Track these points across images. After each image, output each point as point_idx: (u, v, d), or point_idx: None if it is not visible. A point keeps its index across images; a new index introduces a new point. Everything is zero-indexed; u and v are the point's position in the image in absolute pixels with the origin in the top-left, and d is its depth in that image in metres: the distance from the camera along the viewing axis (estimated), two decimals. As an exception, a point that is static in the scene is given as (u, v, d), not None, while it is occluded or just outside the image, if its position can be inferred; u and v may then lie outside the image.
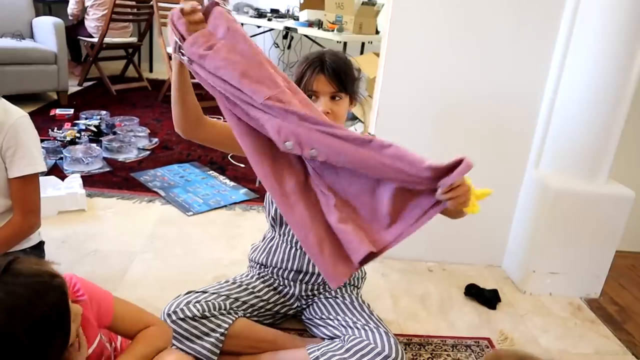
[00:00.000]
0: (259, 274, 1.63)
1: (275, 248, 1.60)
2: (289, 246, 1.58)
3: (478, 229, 2.21)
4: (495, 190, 2.18)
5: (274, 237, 1.62)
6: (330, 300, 1.58)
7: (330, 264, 1.16)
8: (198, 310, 1.40)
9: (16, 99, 1.58)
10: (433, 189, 1.15)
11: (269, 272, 1.62)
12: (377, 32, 4.39)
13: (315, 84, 1.39)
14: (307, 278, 1.57)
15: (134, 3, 4.63)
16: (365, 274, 1.68)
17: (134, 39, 4.92)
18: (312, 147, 1.13)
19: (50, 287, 0.83)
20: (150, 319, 1.19)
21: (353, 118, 3.84)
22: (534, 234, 2.08)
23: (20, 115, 1.49)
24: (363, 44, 4.73)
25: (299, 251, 1.56)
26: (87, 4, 4.53)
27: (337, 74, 1.39)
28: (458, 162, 1.12)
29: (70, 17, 4.67)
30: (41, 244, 1.69)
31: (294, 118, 1.12)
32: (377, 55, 2.52)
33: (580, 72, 1.94)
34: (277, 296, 1.61)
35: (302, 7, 4.71)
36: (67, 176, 2.58)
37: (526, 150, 2.13)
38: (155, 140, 3.41)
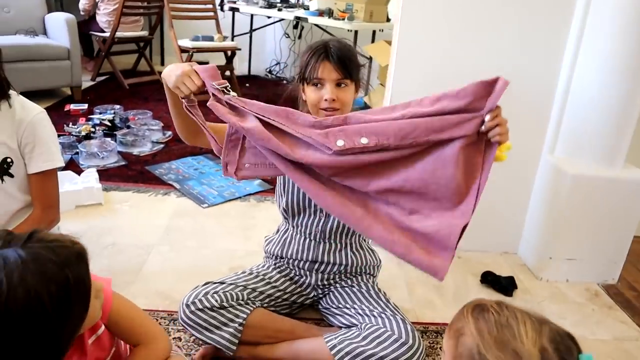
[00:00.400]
0: (274, 264, 1.64)
1: (289, 240, 1.61)
2: (302, 237, 1.59)
3: (493, 215, 2.20)
4: (511, 177, 2.19)
5: (287, 229, 1.63)
6: (346, 289, 1.59)
7: (426, 261, 1.18)
8: (216, 301, 1.42)
9: (31, 95, 1.60)
10: (481, 122, 1.19)
11: (285, 262, 1.63)
12: (388, 20, 4.36)
13: (320, 71, 1.39)
14: (322, 267, 1.59)
15: (144, -4, 4.65)
16: (381, 262, 1.68)
17: (145, 33, 4.94)
18: (361, 136, 1.18)
19: (72, 252, 0.86)
20: (151, 326, 1.19)
21: (365, 107, 3.83)
22: (550, 220, 2.06)
23: (38, 112, 1.51)
24: (374, 32, 4.70)
25: (313, 242, 1.57)
26: (98, -1, 4.56)
27: (341, 61, 1.39)
28: (494, 82, 1.19)
29: (82, 13, 4.70)
30: (60, 238, 1.71)
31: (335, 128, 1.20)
32: (389, 43, 2.51)
33: (595, 55, 1.91)
34: (293, 286, 1.62)
35: (312, -4, 4.69)
36: (83, 171, 2.61)
37: (541, 136, 2.11)
38: (169, 133, 3.43)
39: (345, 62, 1.40)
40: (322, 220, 1.55)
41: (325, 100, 1.39)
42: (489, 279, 2.01)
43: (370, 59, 4.36)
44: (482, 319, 0.79)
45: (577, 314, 1.90)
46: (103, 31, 4.62)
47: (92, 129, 3.26)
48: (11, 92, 1.47)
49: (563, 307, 1.93)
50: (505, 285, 1.98)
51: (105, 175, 2.69)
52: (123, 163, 2.90)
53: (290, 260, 1.61)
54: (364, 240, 1.64)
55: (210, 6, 4.53)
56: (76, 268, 0.84)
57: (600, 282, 2.11)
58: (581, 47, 1.94)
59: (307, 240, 1.58)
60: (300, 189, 1.51)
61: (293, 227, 1.60)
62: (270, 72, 5.64)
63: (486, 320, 0.79)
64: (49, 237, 0.84)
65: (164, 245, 2.11)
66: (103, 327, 1.09)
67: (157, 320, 1.64)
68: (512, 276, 2.02)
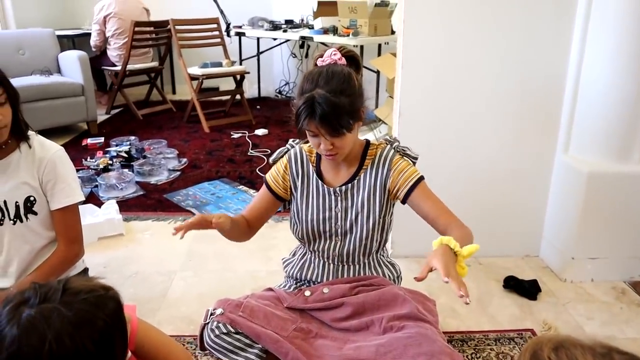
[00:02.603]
0: (295, 283, 1.66)
1: (308, 264, 1.63)
2: (321, 261, 1.60)
3: (512, 219, 2.20)
4: (526, 179, 2.18)
5: (305, 252, 1.65)
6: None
7: None
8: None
9: (49, 133, 1.66)
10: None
11: (306, 284, 1.64)
12: (393, 32, 4.40)
13: (310, 127, 1.36)
14: None
15: (152, 28, 4.75)
16: (401, 273, 1.68)
17: (155, 64, 5.05)
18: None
19: (107, 298, 0.89)
20: (176, 350, 1.21)
21: (377, 120, 3.85)
22: (570, 220, 2.05)
23: (56, 149, 1.56)
24: (380, 45, 4.73)
25: (332, 265, 1.59)
26: (108, 34, 4.67)
27: (327, 121, 1.33)
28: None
29: (93, 49, 4.82)
30: (86, 270, 1.76)
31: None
32: (395, 55, 2.53)
33: (602, 50, 1.91)
34: (315, 303, 1.63)
35: (316, 15, 4.75)
36: (103, 203, 2.66)
37: (554, 136, 2.11)
38: (184, 160, 3.49)
39: (332, 120, 1.33)
40: (338, 244, 1.56)
41: (321, 149, 1.40)
42: (512, 284, 2.00)
43: (378, 72, 4.40)
44: None
45: (605, 314, 1.88)
46: (115, 65, 4.73)
47: (110, 162, 3.33)
48: (30, 132, 1.52)
49: (590, 308, 1.91)
50: (529, 288, 1.96)
51: (125, 205, 2.74)
52: (141, 193, 2.95)
53: (311, 283, 1.62)
54: (382, 256, 1.64)
55: (217, 33, 4.62)
56: (114, 313, 0.88)
57: (627, 280, 2.08)
58: (587, 42, 1.94)
59: (326, 264, 1.60)
60: (314, 217, 1.55)
61: (311, 251, 1.62)
62: (280, 92, 5.71)
63: None
64: (82, 288, 0.88)
65: (187, 270, 2.14)
66: (130, 353, 1.12)
67: (183, 345, 1.66)
68: (535, 279, 2.00)
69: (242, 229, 1.55)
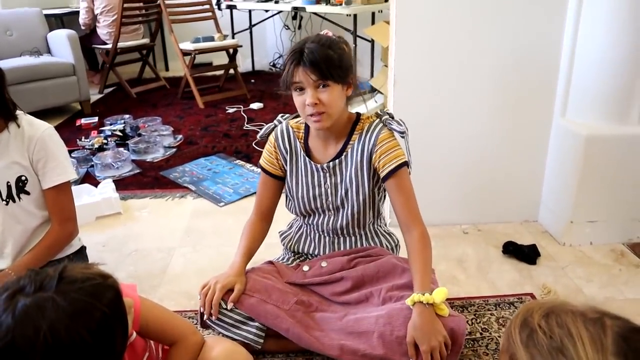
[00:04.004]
0: (294, 255, 1.66)
1: (304, 237, 1.63)
2: (317, 234, 1.61)
3: (510, 185, 2.19)
4: (524, 144, 2.17)
5: (301, 225, 1.65)
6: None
7: None
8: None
9: (42, 114, 1.64)
10: None
11: (303, 255, 1.64)
12: (386, 0, 4.32)
13: (297, 76, 1.34)
14: None
15: (141, 4, 4.66)
16: (399, 242, 1.68)
17: (146, 40, 4.97)
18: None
19: (104, 287, 0.87)
20: (180, 324, 1.21)
21: (372, 90, 3.81)
22: (568, 184, 2.04)
23: (46, 128, 1.54)
24: (373, 13, 4.65)
25: (327, 237, 1.59)
26: (97, 11, 4.59)
27: (316, 63, 1.32)
28: None
29: (82, 27, 4.74)
30: (83, 249, 1.75)
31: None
32: (388, 23, 2.48)
33: (599, 11, 1.87)
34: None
35: (308, -16, 4.65)
36: (99, 182, 2.64)
37: (551, 100, 2.08)
38: (180, 137, 3.46)
39: (320, 64, 1.32)
40: (332, 219, 1.55)
41: (308, 105, 1.36)
42: (511, 249, 2.00)
43: (372, 41, 4.34)
44: (532, 345, 0.69)
45: (604, 276, 1.88)
46: (105, 43, 4.66)
47: (105, 141, 3.30)
48: (18, 112, 1.50)
49: (589, 270, 1.91)
50: (528, 253, 1.96)
51: (122, 184, 2.73)
52: (138, 171, 2.93)
53: (309, 255, 1.62)
54: (380, 226, 1.64)
55: (208, 6, 4.53)
56: (112, 302, 0.86)
57: (625, 242, 2.08)
58: (583, 3, 1.90)
59: (322, 236, 1.60)
60: (304, 194, 1.54)
61: (307, 224, 1.62)
62: (274, 65, 5.64)
63: (537, 345, 0.68)
64: (79, 276, 0.86)
65: (186, 246, 2.14)
66: (135, 334, 1.12)
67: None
68: (534, 244, 2.01)
69: (260, 240, 1.62)
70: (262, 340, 1.42)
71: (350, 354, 1.30)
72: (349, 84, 1.42)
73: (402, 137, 1.50)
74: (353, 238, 1.59)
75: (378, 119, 1.51)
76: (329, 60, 1.33)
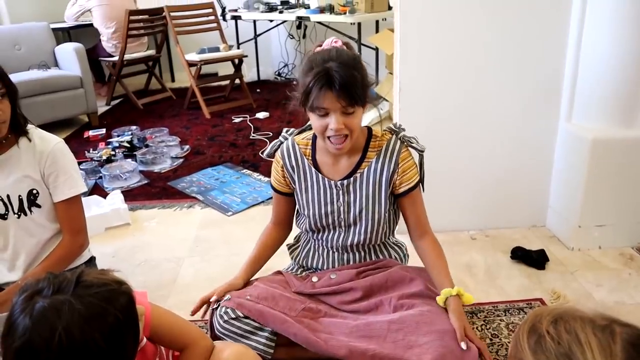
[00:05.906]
0: (302, 268, 1.66)
1: (312, 252, 1.62)
2: (325, 250, 1.60)
3: (518, 190, 2.19)
4: (530, 149, 2.17)
5: (309, 239, 1.64)
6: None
7: None
8: (248, 309, 1.44)
9: (50, 126, 1.66)
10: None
11: (312, 270, 1.64)
12: (390, 8, 4.34)
13: (324, 101, 1.29)
14: None
15: (146, 16, 4.71)
16: (407, 252, 1.68)
17: (152, 52, 5.02)
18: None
19: (119, 293, 0.90)
20: (190, 330, 1.22)
21: (377, 97, 3.82)
22: (575, 188, 2.03)
23: (56, 142, 1.56)
24: (377, 21, 4.67)
25: (336, 253, 1.58)
26: (95, 24, 4.66)
27: (346, 88, 1.27)
28: None
29: (65, 20, 4.88)
30: (92, 259, 1.76)
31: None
32: (392, 31, 2.50)
33: (603, 15, 1.87)
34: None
35: (311, -6, 4.69)
36: (108, 193, 2.67)
37: (556, 105, 2.08)
38: (187, 147, 3.48)
39: (350, 89, 1.27)
40: (342, 235, 1.54)
41: (331, 129, 1.33)
42: (519, 255, 1.99)
43: (377, 49, 4.36)
44: (540, 351, 0.68)
45: (614, 280, 1.88)
46: (111, 56, 4.71)
47: (112, 152, 3.33)
48: (29, 126, 1.52)
49: (598, 275, 1.91)
50: (537, 258, 1.96)
51: (130, 195, 2.75)
52: (146, 182, 2.95)
53: (317, 270, 1.62)
54: (388, 238, 1.63)
55: (213, 17, 4.57)
56: (125, 308, 0.89)
57: (635, 245, 2.07)
58: (587, 7, 1.90)
59: (331, 252, 1.59)
60: (316, 211, 1.52)
61: (315, 240, 1.61)
62: (279, 74, 5.67)
63: (545, 352, 0.67)
64: (95, 281, 0.88)
65: (195, 256, 2.15)
66: (145, 339, 1.13)
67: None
68: (542, 249, 2.00)
69: (273, 246, 1.63)
70: (272, 350, 1.42)
71: (359, 355, 1.30)
72: (365, 104, 1.39)
73: (421, 155, 1.52)
74: (363, 253, 1.58)
75: (394, 136, 1.49)
76: (356, 84, 1.29)
